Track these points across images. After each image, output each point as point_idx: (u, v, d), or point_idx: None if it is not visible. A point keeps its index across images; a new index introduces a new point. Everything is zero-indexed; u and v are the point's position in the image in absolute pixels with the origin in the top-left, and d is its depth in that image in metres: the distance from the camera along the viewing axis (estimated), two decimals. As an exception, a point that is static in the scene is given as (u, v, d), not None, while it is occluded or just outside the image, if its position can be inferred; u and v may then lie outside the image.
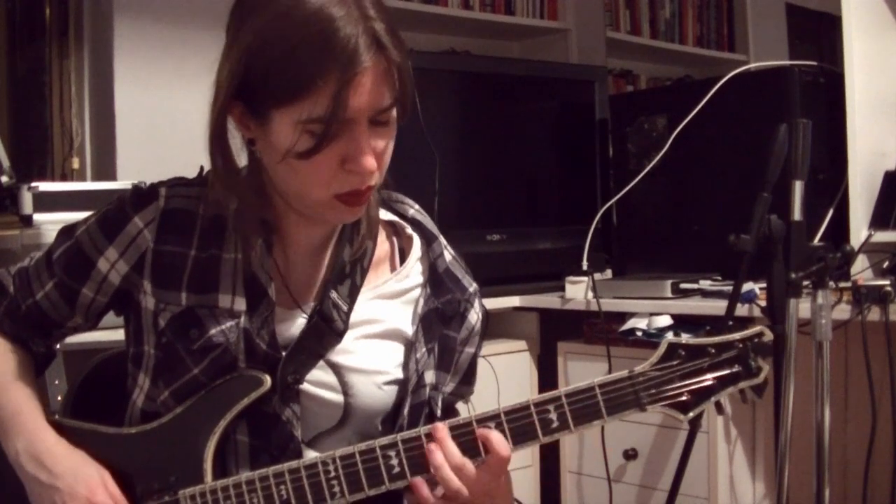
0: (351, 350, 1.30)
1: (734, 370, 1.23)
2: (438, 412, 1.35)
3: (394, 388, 1.31)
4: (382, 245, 1.37)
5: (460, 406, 1.47)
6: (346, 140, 1.16)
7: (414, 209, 1.40)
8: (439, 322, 1.35)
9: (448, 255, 1.38)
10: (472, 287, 1.39)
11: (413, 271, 1.36)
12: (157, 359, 1.29)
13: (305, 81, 1.12)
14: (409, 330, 1.33)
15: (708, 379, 1.22)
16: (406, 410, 1.31)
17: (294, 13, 1.13)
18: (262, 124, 1.19)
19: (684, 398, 1.22)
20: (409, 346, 1.33)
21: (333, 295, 1.29)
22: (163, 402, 1.28)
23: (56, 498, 1.25)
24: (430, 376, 1.34)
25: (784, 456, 2.00)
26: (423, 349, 1.33)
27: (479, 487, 1.21)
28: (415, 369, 1.32)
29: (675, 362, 1.22)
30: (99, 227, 1.31)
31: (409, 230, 1.38)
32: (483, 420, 1.22)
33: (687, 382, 1.22)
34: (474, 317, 1.39)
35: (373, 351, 1.31)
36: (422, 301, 1.35)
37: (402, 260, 1.37)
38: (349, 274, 1.31)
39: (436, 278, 1.36)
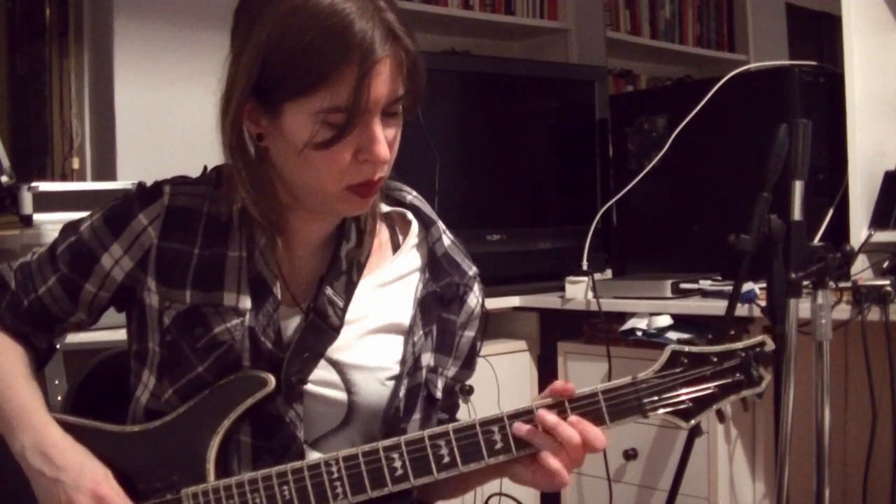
0: (352, 347, 1.31)
1: (736, 378, 1.24)
2: (438, 394, 1.35)
3: (395, 383, 1.32)
4: (381, 235, 1.37)
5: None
6: (360, 130, 1.17)
7: (412, 195, 1.41)
8: (438, 305, 1.36)
9: (447, 239, 1.39)
10: (472, 271, 1.40)
11: (411, 256, 1.37)
12: (161, 356, 1.29)
13: (324, 72, 1.14)
14: (407, 319, 1.34)
15: (710, 387, 1.24)
16: (402, 393, 1.31)
17: (307, 8, 1.15)
18: (274, 119, 1.19)
19: (686, 405, 1.23)
20: (407, 335, 1.33)
21: (328, 291, 1.29)
22: (167, 401, 1.29)
23: (61, 491, 1.25)
24: (426, 358, 1.34)
25: (784, 456, 2.00)
26: (420, 332, 1.34)
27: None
28: (411, 353, 1.32)
29: (677, 370, 1.24)
30: (104, 222, 1.31)
31: (408, 216, 1.39)
32: (486, 424, 1.22)
33: (689, 390, 1.23)
34: (473, 300, 1.40)
35: (373, 347, 1.32)
36: (420, 285, 1.35)
37: (400, 247, 1.38)
38: (346, 270, 1.31)
39: (434, 262, 1.37)
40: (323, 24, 1.14)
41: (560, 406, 1.22)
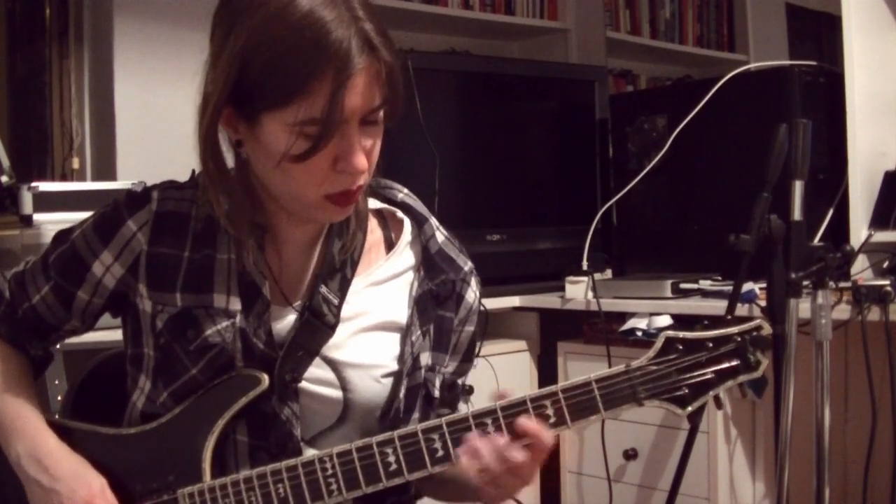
0: (346, 345, 1.31)
1: (733, 364, 1.22)
2: (436, 392, 1.35)
3: (391, 381, 1.32)
4: (373, 234, 1.37)
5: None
6: (338, 140, 1.17)
7: (403, 193, 1.41)
8: (433, 303, 1.36)
9: (440, 235, 1.39)
10: (468, 266, 1.40)
11: (405, 255, 1.37)
12: (156, 360, 1.29)
13: (299, 84, 1.13)
14: (403, 317, 1.34)
15: (706, 373, 1.21)
16: (402, 394, 1.31)
17: (284, 16, 1.13)
18: (252, 127, 1.19)
19: (682, 392, 1.21)
20: (404, 334, 1.33)
21: (323, 289, 1.29)
22: (162, 404, 1.29)
23: (56, 500, 1.25)
24: (425, 358, 1.34)
25: (784, 456, 2.00)
26: (418, 332, 1.33)
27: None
28: (409, 353, 1.32)
29: (672, 356, 1.22)
30: (94, 230, 1.31)
31: (399, 214, 1.39)
32: (479, 416, 1.21)
33: (685, 376, 1.21)
34: (472, 296, 1.40)
35: (368, 345, 1.32)
36: (416, 284, 1.35)
37: (394, 245, 1.37)
38: (339, 268, 1.31)
39: (429, 260, 1.36)
40: (298, 35, 1.12)
41: (553, 396, 1.21)
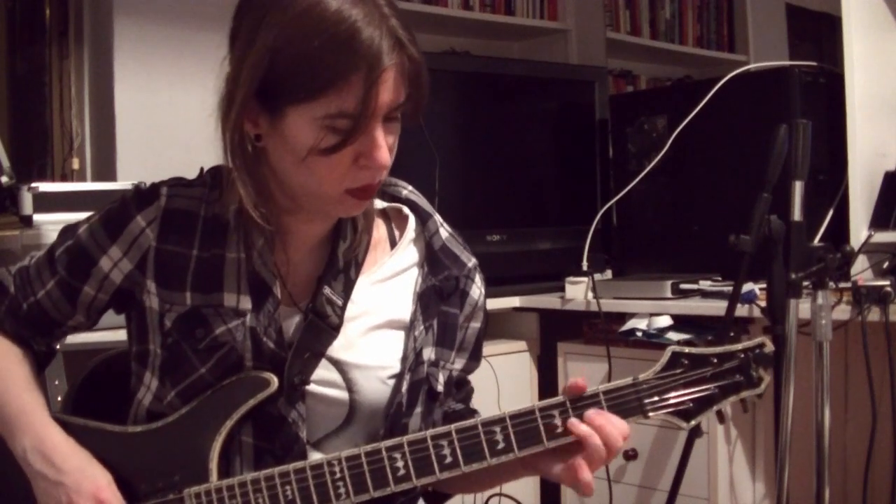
0: (353, 346, 1.31)
1: (736, 379, 1.26)
2: (439, 387, 1.36)
3: (397, 381, 1.32)
4: (378, 231, 1.38)
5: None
6: (363, 136, 1.18)
7: (407, 190, 1.42)
8: (437, 299, 1.36)
9: (444, 232, 1.40)
10: (472, 262, 1.41)
11: (408, 251, 1.37)
12: (163, 358, 1.29)
13: (332, 79, 1.14)
14: (407, 314, 1.34)
15: (710, 388, 1.25)
16: (405, 388, 1.31)
17: (317, 12, 1.15)
18: (275, 121, 1.20)
19: (687, 406, 1.24)
20: (408, 330, 1.34)
21: (327, 290, 1.30)
22: (169, 403, 1.29)
23: (62, 494, 1.25)
24: (427, 353, 1.35)
25: (784, 456, 2.00)
26: (421, 327, 1.34)
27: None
28: (412, 348, 1.33)
29: (678, 371, 1.25)
30: (102, 225, 1.31)
31: (405, 210, 1.40)
32: (488, 424, 1.22)
33: (689, 391, 1.25)
34: (476, 292, 1.41)
35: (375, 345, 1.32)
36: (419, 280, 1.36)
37: (397, 242, 1.38)
38: (343, 269, 1.31)
39: (432, 256, 1.37)
40: (331, 31, 1.14)
41: (562, 406, 1.23)
